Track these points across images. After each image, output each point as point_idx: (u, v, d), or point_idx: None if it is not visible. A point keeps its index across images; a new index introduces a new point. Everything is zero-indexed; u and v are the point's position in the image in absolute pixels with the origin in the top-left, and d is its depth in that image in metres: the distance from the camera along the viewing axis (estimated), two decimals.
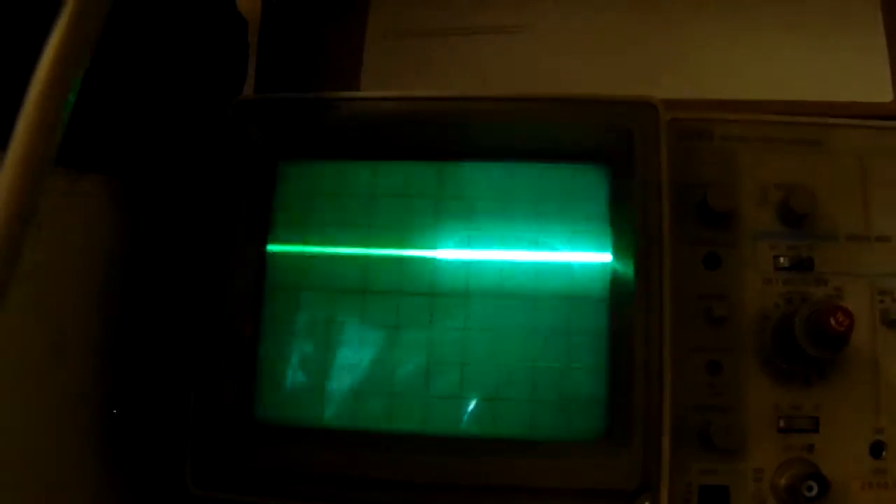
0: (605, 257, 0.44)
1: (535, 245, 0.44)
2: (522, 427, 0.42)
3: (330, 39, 0.53)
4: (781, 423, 0.43)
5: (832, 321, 0.40)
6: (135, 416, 0.45)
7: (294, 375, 0.44)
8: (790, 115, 0.47)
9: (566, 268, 0.44)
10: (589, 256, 0.44)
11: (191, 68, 0.47)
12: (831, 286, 0.45)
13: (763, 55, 0.51)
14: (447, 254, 0.44)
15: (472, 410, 0.43)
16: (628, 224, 0.43)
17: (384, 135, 0.45)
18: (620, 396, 0.42)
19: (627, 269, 0.43)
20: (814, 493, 0.42)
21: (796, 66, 0.51)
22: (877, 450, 0.43)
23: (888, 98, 0.50)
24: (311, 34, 0.53)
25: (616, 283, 0.43)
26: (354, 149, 0.45)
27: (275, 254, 0.45)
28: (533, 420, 0.42)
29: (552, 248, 0.44)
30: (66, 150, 0.41)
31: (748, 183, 0.46)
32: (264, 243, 0.45)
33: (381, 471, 0.42)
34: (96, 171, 0.43)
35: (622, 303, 0.43)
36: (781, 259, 0.45)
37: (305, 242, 0.45)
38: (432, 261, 0.44)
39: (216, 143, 0.46)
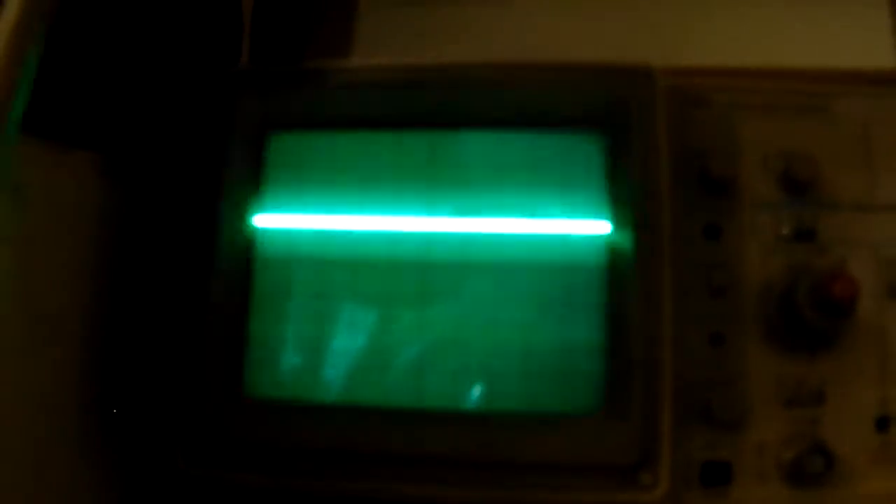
0: (603, 228, 0.42)
1: (530, 215, 0.43)
2: (518, 401, 0.41)
3: (324, 10, 0.53)
4: (786, 396, 0.42)
5: (836, 289, 0.39)
6: (124, 393, 0.45)
7: (284, 351, 0.43)
8: (792, 82, 0.46)
9: (563, 238, 0.43)
10: (586, 227, 0.43)
11: (181, 42, 0.46)
12: (835, 256, 0.44)
13: (764, 22, 0.50)
14: (441, 224, 0.43)
15: (468, 384, 0.42)
16: (626, 194, 0.42)
17: (375, 105, 0.44)
18: (619, 369, 0.41)
19: (626, 240, 0.42)
20: (819, 467, 0.41)
21: (798, 34, 0.50)
22: (883, 424, 0.42)
23: (892, 64, 0.49)
24: (305, 5, 0.53)
25: (614, 254, 0.42)
26: (345, 120, 0.45)
27: (265, 227, 0.44)
28: (529, 394, 0.41)
29: (548, 219, 0.43)
30: (53, 125, 0.40)
31: (749, 151, 0.44)
32: (254, 216, 0.44)
33: (374, 446, 0.41)
34: (83, 147, 0.42)
35: (620, 273, 0.41)
36: (783, 229, 0.44)
37: (296, 215, 0.44)
38: (426, 232, 0.43)
39: (207, 115, 0.45)
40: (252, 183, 0.44)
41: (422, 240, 0.43)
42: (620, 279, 0.41)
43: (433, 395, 0.41)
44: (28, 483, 0.38)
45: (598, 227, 0.42)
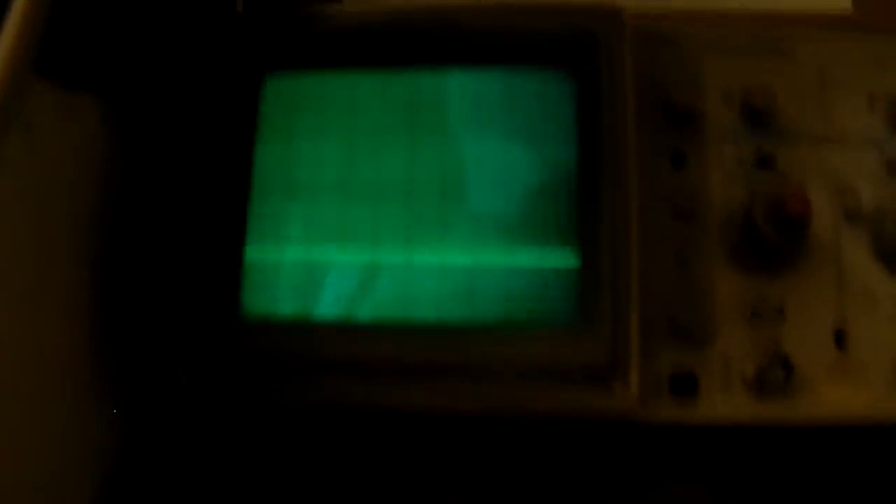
0: (574, 157, 0.45)
1: (506, 148, 0.46)
2: (497, 314, 0.44)
3: None
4: (749, 313, 0.45)
5: (789, 205, 0.42)
6: (126, 319, 0.47)
7: (278, 273, 0.46)
8: (755, 26, 0.49)
9: (536, 167, 0.46)
10: (558, 156, 0.46)
11: None
12: (794, 183, 0.46)
13: None
14: (422, 155, 0.46)
15: (452, 300, 0.44)
16: (595, 125, 0.45)
17: (362, 46, 0.47)
18: (590, 284, 0.43)
19: (595, 167, 0.45)
20: (780, 379, 0.43)
21: None
22: (840, 338, 0.45)
23: (847, 7, 0.52)
24: None
25: (584, 181, 0.45)
26: (335, 59, 0.48)
27: (261, 156, 0.47)
28: (508, 308, 0.44)
29: (522, 150, 0.46)
30: (56, 68, 0.42)
31: (712, 85, 0.47)
32: (251, 147, 0.47)
33: (364, 359, 0.44)
34: (85, 90, 0.45)
35: (590, 199, 0.44)
36: (745, 157, 0.47)
37: (291, 146, 0.47)
38: (410, 161, 0.46)
39: (203, 59, 0.48)
40: (249, 120, 0.47)
41: (406, 172, 0.46)
42: (590, 204, 0.44)
43: (420, 310, 0.44)
44: (39, 408, 0.40)
45: (570, 156, 0.45)
